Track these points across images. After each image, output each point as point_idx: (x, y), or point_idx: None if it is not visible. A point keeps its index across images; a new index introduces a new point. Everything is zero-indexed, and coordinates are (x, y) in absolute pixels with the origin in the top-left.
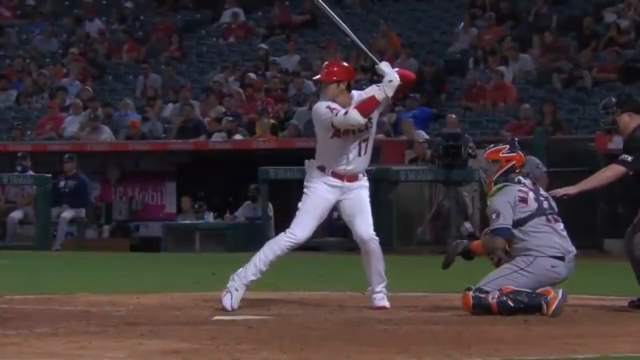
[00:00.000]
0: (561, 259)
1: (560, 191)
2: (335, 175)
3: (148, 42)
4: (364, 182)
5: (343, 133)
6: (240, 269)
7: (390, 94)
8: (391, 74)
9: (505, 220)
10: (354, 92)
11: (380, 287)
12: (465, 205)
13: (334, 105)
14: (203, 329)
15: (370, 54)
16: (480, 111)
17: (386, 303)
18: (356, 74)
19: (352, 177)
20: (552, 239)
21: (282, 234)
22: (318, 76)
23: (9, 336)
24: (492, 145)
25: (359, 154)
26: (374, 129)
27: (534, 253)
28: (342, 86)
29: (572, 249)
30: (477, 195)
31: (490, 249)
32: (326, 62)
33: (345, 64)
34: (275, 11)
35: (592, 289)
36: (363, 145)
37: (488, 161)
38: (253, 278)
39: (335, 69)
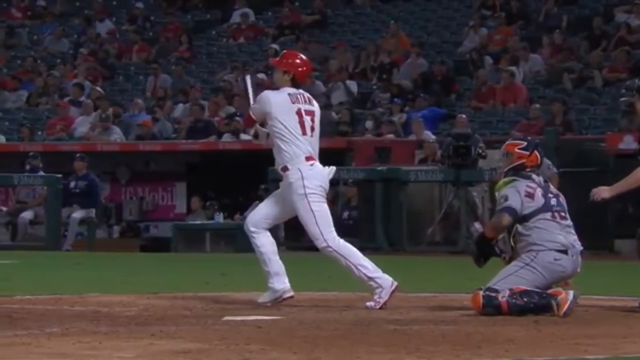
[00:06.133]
0: (564, 252)
1: (595, 191)
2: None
3: (158, 43)
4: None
5: None
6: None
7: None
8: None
9: (513, 202)
10: (292, 90)
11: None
12: (475, 206)
13: None
14: (213, 329)
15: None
16: (490, 111)
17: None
18: (306, 72)
19: None
20: (554, 233)
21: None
22: (276, 59)
23: (20, 336)
24: (515, 137)
25: None
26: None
27: (535, 247)
28: (287, 77)
29: (578, 245)
30: (487, 196)
31: (497, 225)
32: (285, 51)
33: (303, 57)
34: (284, 11)
35: (602, 290)
36: None
37: (504, 152)
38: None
39: (290, 60)
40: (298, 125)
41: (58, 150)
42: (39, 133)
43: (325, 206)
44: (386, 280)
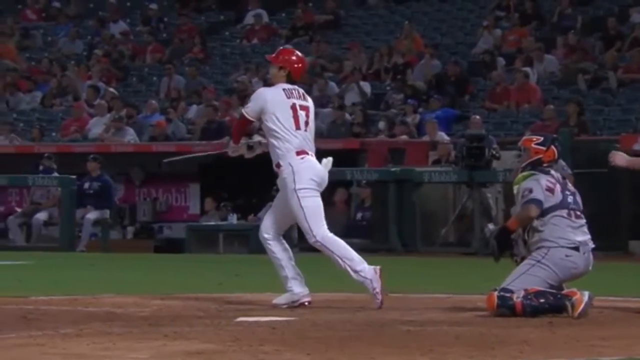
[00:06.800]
0: (575, 249)
1: (613, 154)
2: None
3: (172, 44)
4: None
5: None
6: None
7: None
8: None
9: (538, 195)
10: (287, 85)
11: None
12: (488, 207)
13: None
14: (226, 330)
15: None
16: (504, 112)
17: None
18: (301, 69)
19: None
20: (567, 231)
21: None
22: (273, 55)
23: (34, 337)
24: (531, 133)
25: None
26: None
27: (546, 244)
28: (283, 73)
29: (590, 243)
30: (501, 197)
31: (524, 216)
32: (281, 47)
33: (299, 54)
34: (298, 12)
35: (617, 291)
36: None
37: (521, 148)
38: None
39: (286, 57)
40: (292, 120)
41: (72, 152)
42: (53, 134)
43: (317, 200)
44: (369, 271)
